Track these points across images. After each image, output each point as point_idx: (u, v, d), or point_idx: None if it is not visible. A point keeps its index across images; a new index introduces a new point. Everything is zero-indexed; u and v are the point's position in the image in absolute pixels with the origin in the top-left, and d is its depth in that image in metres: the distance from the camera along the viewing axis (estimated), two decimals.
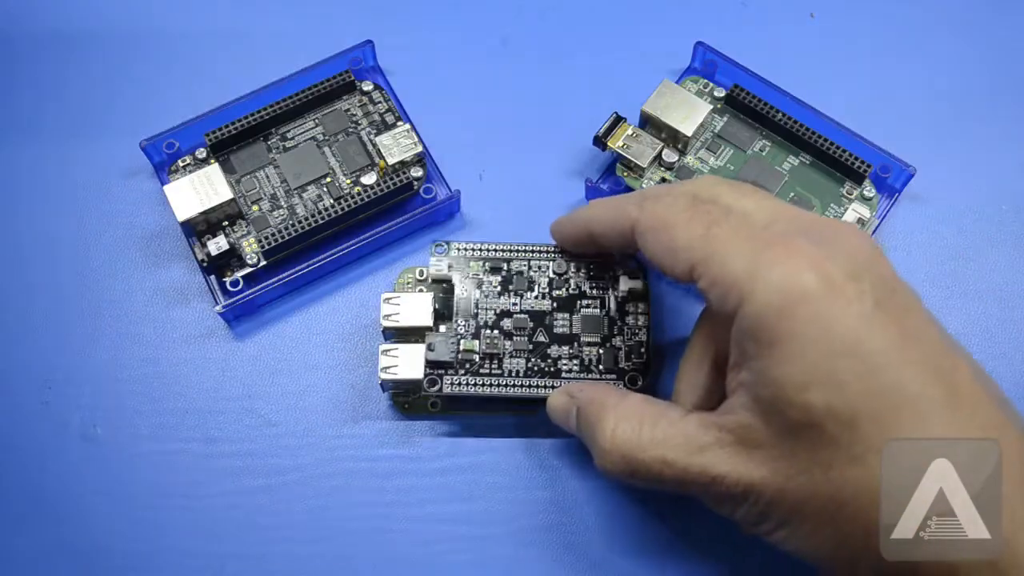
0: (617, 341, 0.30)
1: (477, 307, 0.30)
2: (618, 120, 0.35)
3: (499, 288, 0.31)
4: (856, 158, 0.34)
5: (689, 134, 0.34)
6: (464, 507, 0.30)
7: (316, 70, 0.37)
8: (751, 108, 0.35)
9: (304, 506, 0.30)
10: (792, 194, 0.34)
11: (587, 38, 0.39)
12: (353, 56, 0.37)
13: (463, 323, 0.30)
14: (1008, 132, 0.37)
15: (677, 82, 0.36)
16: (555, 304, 0.30)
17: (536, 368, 0.29)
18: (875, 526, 0.21)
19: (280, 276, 0.32)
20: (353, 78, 0.36)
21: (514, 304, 0.30)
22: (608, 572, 0.29)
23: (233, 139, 0.35)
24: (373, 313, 0.33)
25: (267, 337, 0.33)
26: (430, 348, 0.29)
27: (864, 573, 0.22)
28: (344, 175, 0.35)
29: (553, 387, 0.29)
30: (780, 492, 0.22)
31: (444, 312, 0.30)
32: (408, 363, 0.29)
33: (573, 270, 0.31)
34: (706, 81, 0.37)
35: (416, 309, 0.30)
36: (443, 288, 0.31)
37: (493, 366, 0.29)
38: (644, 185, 0.34)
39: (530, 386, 0.29)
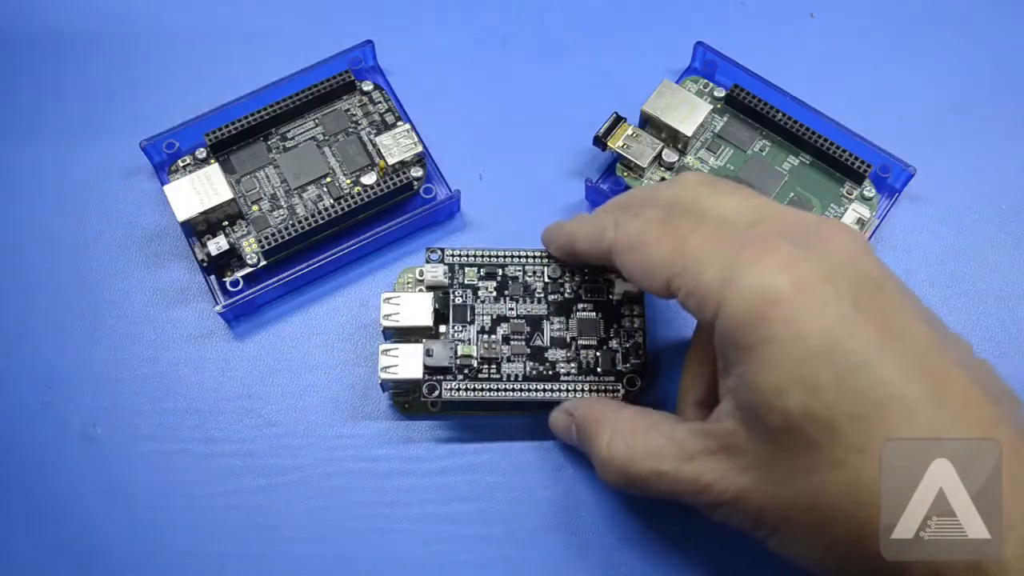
0: (614, 344, 0.30)
1: (473, 312, 0.30)
2: (618, 120, 0.35)
3: (495, 294, 0.30)
4: (856, 158, 0.34)
5: (689, 134, 0.34)
6: (464, 507, 0.30)
7: (316, 70, 0.37)
8: (751, 108, 0.35)
9: (304, 506, 0.30)
10: (792, 194, 0.34)
11: (587, 38, 0.39)
12: (353, 56, 0.37)
13: (460, 328, 0.30)
14: (1008, 132, 0.37)
15: (677, 82, 0.36)
16: (551, 308, 0.30)
17: (534, 372, 0.29)
18: (861, 529, 0.21)
19: (280, 276, 0.32)
20: (353, 78, 0.36)
21: (510, 309, 0.30)
22: (608, 572, 0.29)
23: (233, 139, 0.35)
24: (373, 313, 0.33)
25: (267, 337, 0.33)
26: (428, 354, 0.29)
27: None
28: (344, 175, 0.35)
29: (551, 391, 0.29)
30: (767, 499, 0.22)
31: (444, 312, 0.30)
32: (408, 363, 0.29)
33: (568, 275, 0.31)
34: (706, 81, 0.37)
35: (416, 309, 0.30)
36: (440, 293, 0.31)
37: (492, 371, 0.29)
38: (644, 185, 0.34)
39: (529, 390, 0.29)
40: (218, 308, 0.32)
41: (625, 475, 0.25)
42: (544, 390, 0.29)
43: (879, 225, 0.34)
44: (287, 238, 0.32)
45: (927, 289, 0.33)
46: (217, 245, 0.32)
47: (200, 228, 0.33)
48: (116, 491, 0.30)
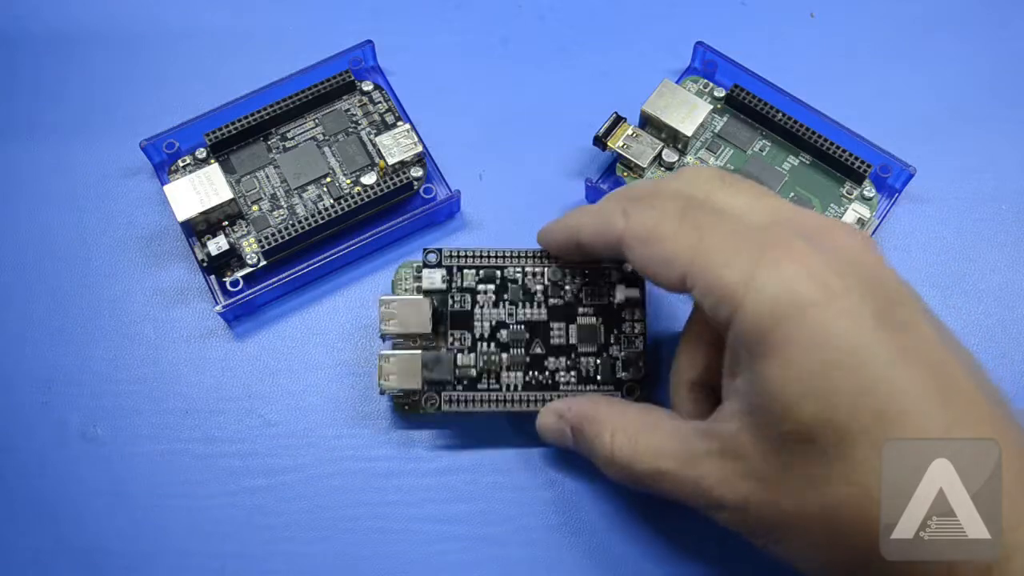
0: (614, 350, 0.29)
1: (472, 319, 0.30)
2: (618, 120, 0.35)
3: (493, 298, 0.30)
4: (856, 158, 0.34)
5: (689, 134, 0.34)
6: (464, 507, 0.30)
7: (316, 70, 0.37)
8: (751, 108, 0.35)
9: (304, 506, 0.30)
10: (792, 194, 0.34)
11: (587, 38, 0.39)
12: (353, 56, 0.37)
13: (458, 336, 0.29)
14: (1008, 132, 0.37)
15: (677, 82, 0.36)
16: (551, 313, 0.30)
17: (533, 381, 0.29)
18: (868, 544, 0.20)
19: (280, 276, 0.32)
20: (353, 78, 0.36)
21: (509, 315, 0.30)
22: (608, 573, 0.29)
23: (233, 139, 0.35)
24: (373, 313, 0.33)
25: (267, 337, 0.33)
26: (426, 367, 0.29)
27: None
28: (344, 175, 0.35)
29: (550, 400, 0.29)
30: (770, 507, 0.22)
31: (443, 311, 0.30)
32: (407, 372, 0.29)
33: (568, 277, 0.30)
34: (706, 81, 0.37)
35: (414, 315, 0.29)
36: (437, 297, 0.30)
37: (491, 381, 0.29)
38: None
39: (528, 400, 0.29)
40: (218, 308, 0.32)
41: (631, 473, 0.25)
42: (543, 400, 0.29)
43: (879, 225, 0.34)
44: (287, 238, 0.32)
45: (927, 289, 0.33)
46: (217, 245, 0.32)
47: (200, 228, 0.33)
48: (116, 491, 0.30)
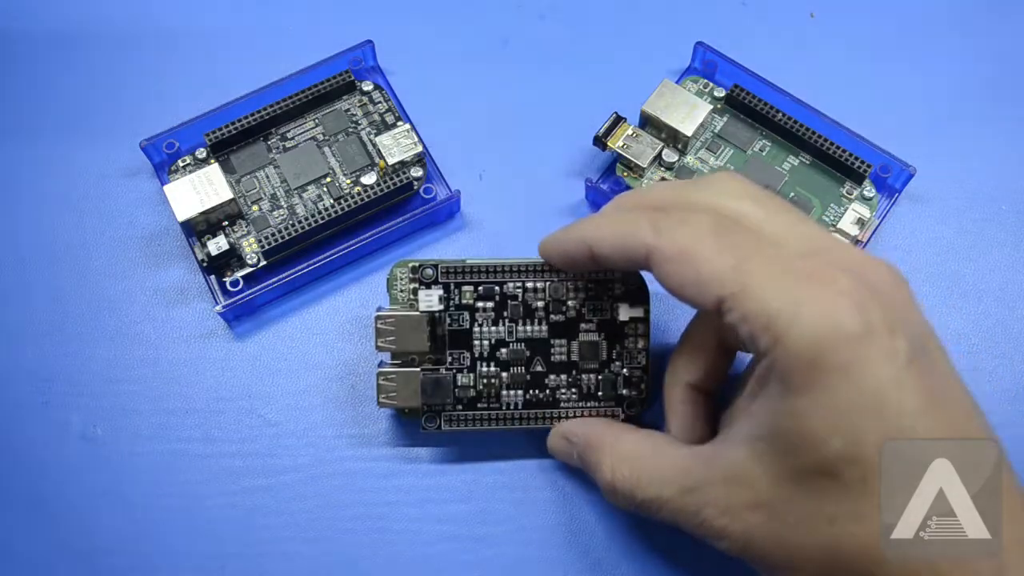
0: (616, 367, 0.29)
1: (471, 338, 0.29)
2: (618, 120, 0.35)
3: (492, 316, 0.29)
4: (856, 158, 0.34)
5: (689, 134, 0.34)
6: (464, 507, 0.30)
7: (316, 70, 0.37)
8: (751, 108, 0.35)
9: (304, 506, 0.30)
10: (792, 194, 0.34)
11: (587, 38, 0.39)
12: (353, 56, 0.37)
13: (457, 356, 0.29)
14: (1008, 132, 0.37)
15: (677, 82, 0.36)
16: (552, 331, 0.29)
17: (534, 399, 0.29)
18: None
19: (280, 276, 0.32)
20: (353, 78, 0.36)
21: (509, 332, 0.29)
22: (609, 573, 0.29)
23: (233, 139, 0.35)
24: (373, 313, 0.33)
25: (267, 337, 0.33)
26: (424, 392, 0.28)
27: None
28: (344, 175, 0.35)
29: (552, 416, 0.29)
30: (774, 541, 0.22)
31: (441, 335, 0.29)
32: (406, 389, 0.28)
33: (570, 292, 0.29)
34: (706, 81, 0.37)
35: (411, 332, 0.28)
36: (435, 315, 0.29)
37: (491, 401, 0.29)
38: (644, 185, 0.34)
39: (528, 418, 0.29)
40: (218, 308, 0.32)
41: (632, 502, 0.25)
42: (544, 417, 0.29)
43: (879, 225, 0.34)
44: (287, 238, 0.32)
45: (927, 289, 0.34)
46: (217, 245, 0.32)
47: (200, 228, 0.33)
48: (116, 491, 0.30)
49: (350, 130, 0.36)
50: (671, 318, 0.32)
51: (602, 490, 0.26)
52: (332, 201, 0.34)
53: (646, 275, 0.28)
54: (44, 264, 0.34)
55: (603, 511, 0.30)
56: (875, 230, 0.34)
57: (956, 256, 0.34)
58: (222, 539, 0.29)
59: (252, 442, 0.31)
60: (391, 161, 0.34)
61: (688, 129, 0.34)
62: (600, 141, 0.34)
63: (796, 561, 0.22)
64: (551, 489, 0.30)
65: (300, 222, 0.32)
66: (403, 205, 0.34)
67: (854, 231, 0.33)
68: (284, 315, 0.33)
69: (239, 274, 0.33)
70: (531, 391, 0.29)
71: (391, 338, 0.28)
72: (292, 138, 0.35)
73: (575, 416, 0.29)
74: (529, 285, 0.29)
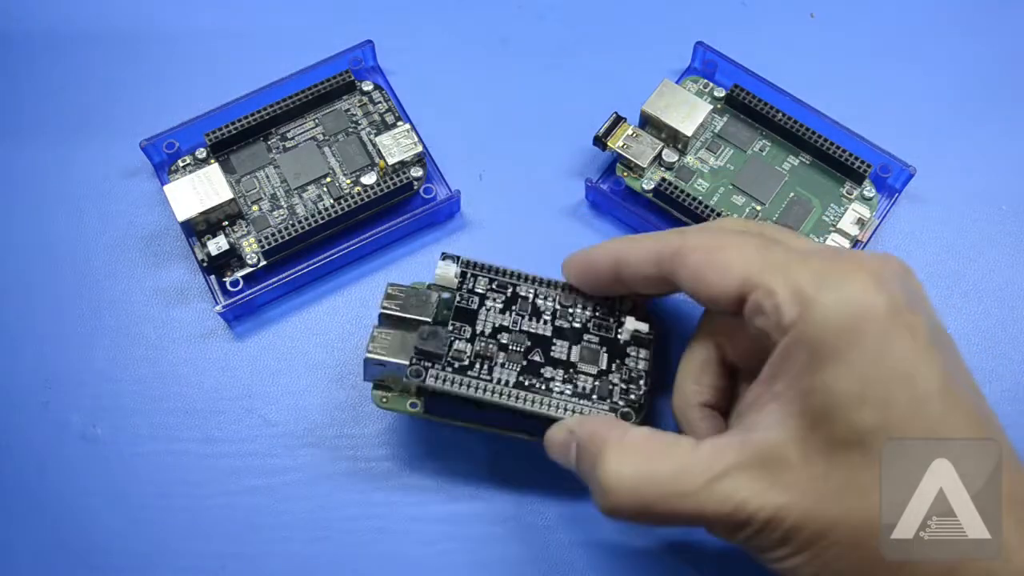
0: (614, 378, 0.28)
1: (476, 317, 0.29)
2: (618, 120, 0.35)
3: (502, 305, 0.29)
4: (856, 158, 0.34)
5: (689, 134, 0.34)
6: (464, 507, 0.30)
7: (316, 70, 0.37)
8: (751, 108, 0.35)
9: (304, 506, 0.30)
10: (792, 194, 0.34)
11: (587, 38, 0.39)
12: (353, 56, 0.37)
13: (459, 327, 0.29)
14: (1008, 132, 0.37)
15: (677, 82, 0.36)
16: (556, 333, 0.29)
17: (527, 383, 0.28)
18: None
19: (280, 276, 0.32)
20: (353, 78, 0.36)
21: (514, 323, 0.29)
22: (609, 573, 0.29)
23: (233, 139, 0.35)
24: (373, 313, 0.33)
25: (267, 337, 0.33)
26: (422, 336, 0.27)
27: None
28: (344, 175, 0.35)
29: (543, 403, 0.27)
30: (808, 516, 0.21)
31: (444, 320, 0.29)
32: (397, 349, 0.27)
33: (579, 308, 0.29)
34: (706, 81, 0.37)
35: (419, 303, 0.28)
36: (446, 294, 0.29)
37: (483, 371, 0.28)
38: (644, 186, 0.34)
39: (517, 397, 0.27)
40: (218, 308, 0.32)
41: (641, 501, 0.23)
42: (535, 401, 0.27)
43: (879, 225, 0.34)
44: (287, 238, 0.32)
45: (927, 289, 0.33)
46: (217, 245, 0.32)
47: (200, 228, 0.33)
48: (116, 491, 0.30)
49: (350, 130, 0.36)
50: (677, 345, 0.32)
51: (599, 491, 0.24)
52: (332, 201, 0.34)
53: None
54: (44, 264, 0.34)
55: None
56: (875, 230, 0.34)
57: (956, 256, 0.34)
58: (222, 539, 0.29)
59: (252, 442, 0.31)
60: (391, 161, 0.34)
61: (688, 129, 0.34)
62: (600, 141, 0.34)
63: (829, 535, 0.21)
64: (551, 489, 0.30)
65: (300, 222, 0.32)
66: (403, 205, 0.34)
67: (854, 231, 0.33)
68: (284, 315, 0.33)
69: (239, 274, 0.33)
70: (525, 376, 0.28)
71: (398, 302, 0.28)
72: (292, 138, 0.35)
73: (567, 407, 0.27)
74: (542, 292, 0.30)
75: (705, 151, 0.35)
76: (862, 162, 0.34)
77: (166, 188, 0.33)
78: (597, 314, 0.29)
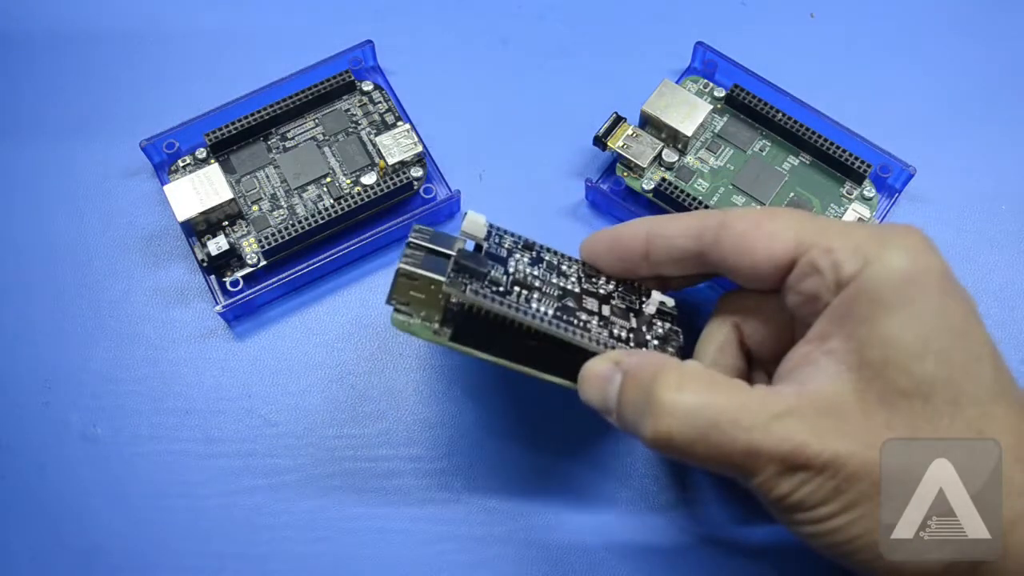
0: (648, 335, 0.27)
1: (506, 262, 0.27)
2: (618, 120, 0.35)
3: (529, 260, 0.27)
4: (856, 158, 0.34)
5: (689, 134, 0.34)
6: (464, 507, 0.30)
7: (316, 70, 0.37)
8: (751, 108, 0.35)
9: (304, 506, 0.30)
10: (792, 194, 0.34)
11: (587, 38, 0.39)
12: (353, 56, 0.37)
13: (493, 266, 0.26)
14: (1008, 132, 0.37)
15: (677, 82, 0.36)
16: (585, 292, 0.27)
17: (564, 316, 0.25)
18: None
19: (280, 276, 0.32)
20: (353, 78, 0.36)
21: (543, 278, 0.27)
22: (609, 573, 0.29)
23: (233, 139, 0.35)
24: (373, 313, 0.33)
25: (267, 337, 0.33)
26: (460, 254, 0.25)
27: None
28: (344, 175, 0.35)
29: (582, 334, 0.25)
30: (867, 465, 0.21)
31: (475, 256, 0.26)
32: (434, 263, 0.25)
33: (604, 280, 0.28)
34: (706, 81, 0.37)
35: (445, 242, 0.26)
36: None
37: (520, 298, 0.25)
38: (644, 186, 0.34)
39: (556, 323, 0.25)
40: (218, 308, 0.32)
41: (695, 427, 0.22)
42: (570, 330, 0.25)
43: None
44: (287, 238, 0.32)
45: None
46: (217, 245, 0.32)
47: (200, 228, 0.33)
48: (116, 491, 0.30)
49: (350, 130, 0.36)
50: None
51: (656, 412, 0.22)
52: (332, 201, 0.34)
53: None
54: (44, 264, 0.34)
55: (605, 512, 0.30)
56: None
57: (956, 256, 0.33)
58: (222, 539, 0.29)
59: (252, 442, 0.31)
60: (391, 161, 0.34)
61: (688, 129, 0.34)
62: (600, 141, 0.34)
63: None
64: (551, 489, 0.30)
65: (300, 222, 0.32)
66: (403, 205, 0.34)
67: None
68: (284, 315, 0.33)
69: (239, 274, 0.33)
70: (563, 313, 0.26)
71: (427, 236, 0.26)
72: (292, 138, 0.35)
73: (605, 343, 0.25)
74: (565, 263, 0.28)
75: (705, 151, 0.35)
76: (862, 162, 0.34)
77: (166, 188, 0.33)
78: (620, 289, 0.28)
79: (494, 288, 0.25)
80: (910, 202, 0.35)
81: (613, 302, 0.28)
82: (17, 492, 0.30)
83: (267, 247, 0.32)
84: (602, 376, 0.24)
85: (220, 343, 0.33)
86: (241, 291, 0.32)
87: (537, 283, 0.27)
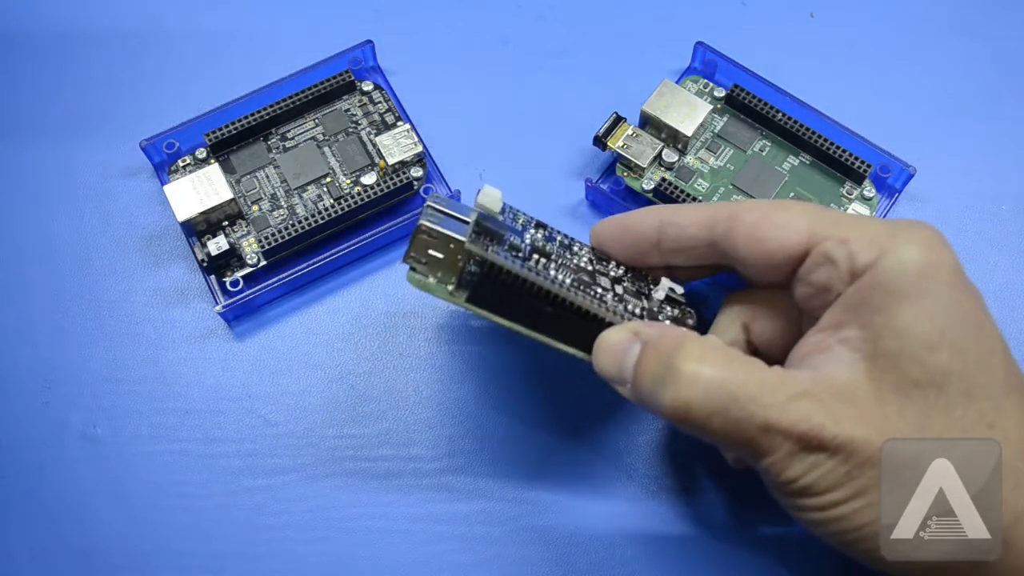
0: (660, 315, 0.27)
1: (522, 237, 0.26)
2: (618, 120, 0.35)
3: (543, 237, 0.27)
4: (856, 158, 0.34)
5: (689, 134, 0.34)
6: (464, 507, 0.30)
7: (316, 70, 0.37)
8: (751, 108, 0.35)
9: (304, 506, 0.30)
10: (792, 194, 0.34)
11: (587, 38, 0.39)
12: (353, 56, 0.37)
13: (508, 236, 0.26)
14: (1008, 132, 0.37)
15: (677, 82, 0.36)
16: (596, 271, 0.27)
17: (581, 286, 0.25)
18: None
19: (280, 276, 0.32)
20: (353, 78, 0.36)
21: (557, 256, 0.27)
22: (609, 573, 0.29)
23: (233, 139, 0.35)
24: (373, 313, 0.33)
25: (267, 337, 0.33)
26: (481, 217, 0.24)
27: None
28: (344, 175, 0.35)
29: (601, 303, 0.25)
30: (878, 453, 0.21)
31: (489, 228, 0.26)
32: (454, 225, 0.25)
33: (613, 264, 0.28)
34: (706, 81, 0.37)
35: (461, 211, 0.26)
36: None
37: (539, 265, 0.25)
38: (644, 186, 0.34)
39: (574, 289, 0.25)
40: (218, 308, 0.32)
41: (714, 399, 0.22)
42: (588, 296, 0.25)
43: None
44: (287, 238, 0.32)
45: None
46: (217, 245, 0.32)
47: (200, 228, 0.33)
48: (116, 491, 0.30)
49: (350, 130, 0.36)
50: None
51: (674, 383, 0.22)
52: (332, 201, 0.34)
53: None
54: (44, 264, 0.34)
55: (605, 512, 0.30)
56: None
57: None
58: (222, 539, 0.29)
59: (252, 442, 0.31)
60: (391, 161, 0.34)
61: (688, 129, 0.34)
62: (600, 141, 0.34)
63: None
64: (552, 489, 0.30)
65: (300, 222, 0.32)
66: (403, 205, 0.34)
67: None
68: (284, 315, 0.33)
69: (239, 274, 0.33)
70: (577, 282, 0.26)
71: (444, 204, 0.26)
72: (292, 138, 0.35)
73: (623, 313, 0.25)
74: (576, 245, 0.28)
75: (705, 151, 0.35)
76: (862, 162, 0.34)
77: (166, 188, 0.33)
78: (630, 275, 0.28)
79: (514, 253, 0.25)
80: (910, 202, 0.35)
81: (624, 284, 0.28)
82: (17, 492, 0.30)
83: (267, 247, 0.32)
84: (619, 346, 0.24)
85: (220, 343, 0.32)
86: (241, 291, 0.32)
87: (553, 255, 0.27)
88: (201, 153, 0.35)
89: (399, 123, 0.35)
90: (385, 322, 0.33)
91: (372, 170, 0.34)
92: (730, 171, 0.35)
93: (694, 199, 0.33)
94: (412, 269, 0.26)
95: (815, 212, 0.24)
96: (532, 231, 0.28)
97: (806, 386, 0.22)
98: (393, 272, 0.34)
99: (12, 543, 0.29)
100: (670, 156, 0.34)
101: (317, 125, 0.36)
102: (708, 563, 0.29)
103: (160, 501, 0.30)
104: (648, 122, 0.35)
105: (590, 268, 0.27)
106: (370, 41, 0.37)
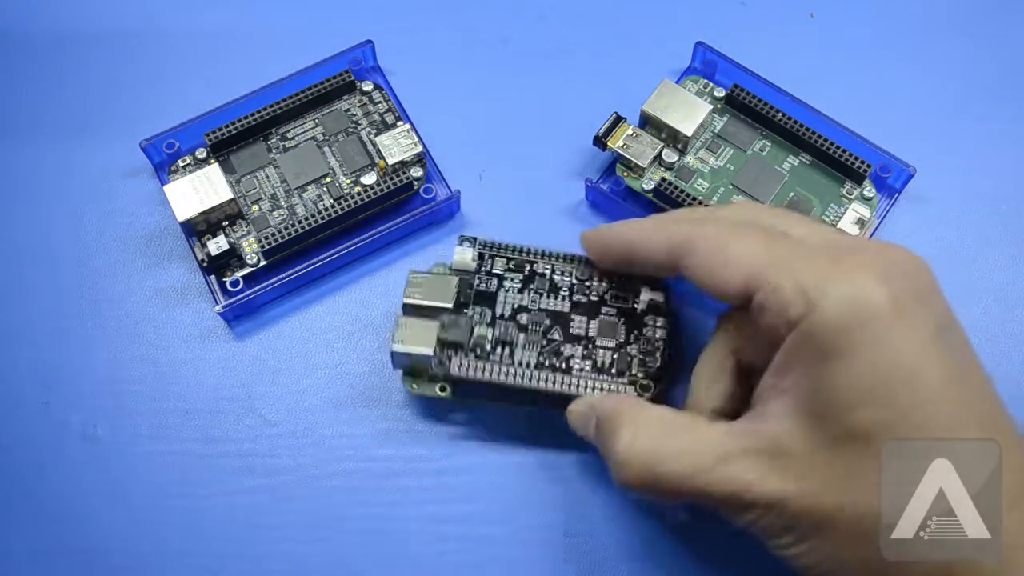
0: (632, 349, 0.29)
1: (495, 300, 0.30)
2: (618, 120, 0.35)
3: (519, 286, 0.30)
4: (856, 158, 0.34)
5: (689, 134, 0.34)
6: (464, 507, 0.30)
7: (316, 70, 0.37)
8: (751, 108, 0.35)
9: (304, 506, 0.30)
10: (792, 194, 0.34)
11: (587, 38, 0.39)
12: (353, 56, 0.37)
13: (479, 312, 0.30)
14: (1008, 132, 0.37)
15: (677, 82, 0.36)
16: (573, 308, 0.30)
17: (547, 363, 0.29)
18: None
19: (280, 276, 0.32)
20: (353, 78, 0.36)
21: (532, 302, 0.30)
22: (609, 573, 0.29)
23: (233, 139, 0.35)
24: (373, 313, 0.33)
25: (267, 337, 0.33)
26: (443, 326, 0.28)
27: None
28: (344, 175, 0.35)
29: (564, 382, 0.28)
30: (810, 505, 0.22)
31: (466, 301, 0.30)
32: (421, 338, 0.28)
33: (596, 281, 0.30)
34: (706, 81, 0.37)
35: (439, 289, 0.29)
36: (466, 276, 0.30)
37: (504, 354, 0.29)
38: (644, 186, 0.34)
39: (540, 379, 0.28)
40: (218, 308, 0.32)
41: (651, 474, 0.24)
42: (557, 382, 0.28)
43: (879, 225, 0.34)
44: (287, 238, 0.32)
45: None
46: (217, 245, 0.32)
47: (200, 228, 0.33)
48: (116, 491, 0.30)
49: (350, 130, 0.36)
50: (691, 314, 0.32)
51: (614, 463, 0.25)
52: (332, 201, 0.34)
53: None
54: (44, 264, 0.34)
55: (605, 512, 0.30)
56: (875, 230, 0.34)
57: (956, 256, 0.34)
58: (222, 539, 0.29)
59: (252, 442, 0.31)
60: (391, 161, 0.34)
61: (688, 129, 0.34)
62: (600, 141, 0.34)
63: (831, 526, 0.22)
64: (551, 490, 0.30)
65: (300, 222, 0.32)
66: (403, 205, 0.34)
67: (854, 231, 0.33)
68: (284, 315, 0.33)
69: (239, 274, 0.33)
70: (545, 355, 0.29)
71: (421, 290, 0.29)
72: (292, 138, 0.35)
73: (587, 385, 0.28)
74: (559, 267, 0.31)
75: (705, 151, 0.35)
76: (862, 162, 0.34)
77: (166, 188, 0.33)
78: (614, 286, 0.30)
79: (479, 352, 0.29)
80: (910, 202, 0.35)
81: (604, 310, 0.30)
82: (17, 492, 0.30)
83: (267, 247, 0.32)
84: (582, 416, 0.27)
85: (220, 343, 0.32)
86: (241, 291, 0.32)
87: (524, 319, 0.30)
88: (201, 153, 0.35)
89: (399, 123, 0.35)
90: (385, 322, 0.33)
91: (372, 170, 0.34)
92: (730, 171, 0.35)
93: (694, 199, 0.33)
94: (405, 375, 0.30)
95: (757, 251, 0.24)
96: (509, 281, 0.30)
97: (739, 444, 0.23)
98: (393, 272, 0.34)
99: (12, 543, 0.29)
100: (670, 156, 0.35)
101: (317, 125, 0.36)
102: (709, 563, 0.29)
103: (160, 501, 0.30)
104: (648, 122, 0.35)
105: (567, 308, 0.30)
106: (370, 41, 0.37)
